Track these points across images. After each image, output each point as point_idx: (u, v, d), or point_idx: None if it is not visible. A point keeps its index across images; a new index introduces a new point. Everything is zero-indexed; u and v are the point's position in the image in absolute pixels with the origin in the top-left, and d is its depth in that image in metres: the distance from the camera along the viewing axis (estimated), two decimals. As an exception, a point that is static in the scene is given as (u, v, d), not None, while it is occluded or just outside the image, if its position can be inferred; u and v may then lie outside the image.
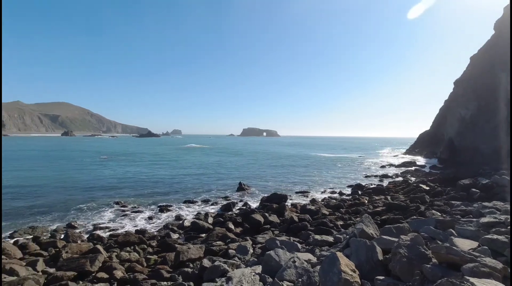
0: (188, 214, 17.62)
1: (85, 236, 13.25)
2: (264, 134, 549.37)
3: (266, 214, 15.63)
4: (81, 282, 8.55)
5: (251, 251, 9.59)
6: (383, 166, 45.06)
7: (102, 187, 25.23)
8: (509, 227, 5.95)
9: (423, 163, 43.85)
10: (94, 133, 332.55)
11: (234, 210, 18.43)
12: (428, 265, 4.22)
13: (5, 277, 8.49)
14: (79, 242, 12.26)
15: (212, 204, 20.05)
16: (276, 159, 57.14)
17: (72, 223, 14.85)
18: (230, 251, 9.76)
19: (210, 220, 15.75)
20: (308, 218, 15.10)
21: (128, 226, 15.14)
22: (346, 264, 4.59)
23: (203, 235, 13.40)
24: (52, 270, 9.27)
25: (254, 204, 20.10)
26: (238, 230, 14.05)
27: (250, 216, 14.87)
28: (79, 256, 10.02)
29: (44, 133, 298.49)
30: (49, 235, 13.29)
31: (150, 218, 16.48)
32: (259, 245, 10.56)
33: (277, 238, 9.39)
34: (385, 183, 29.13)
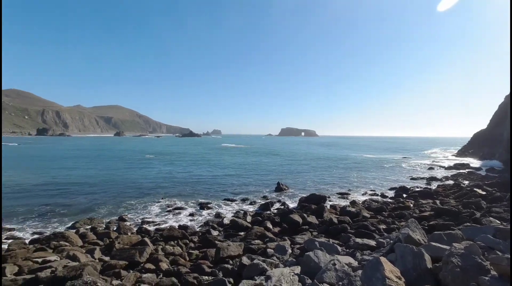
0: (227, 212, 18.10)
1: (134, 229, 14.28)
2: (303, 134, 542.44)
3: (305, 214, 15.48)
4: (131, 271, 9.25)
5: (290, 251, 9.59)
6: (431, 168, 41.94)
7: (148, 184, 26.98)
8: None
9: (478, 166, 39.99)
10: (142, 134, 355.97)
11: (272, 209, 18.53)
12: (486, 277, 3.89)
13: (68, 262, 9.51)
14: (129, 234, 13.28)
15: (250, 203, 20.37)
16: (315, 160, 56.11)
17: (123, 217, 16.14)
18: (268, 250, 9.85)
19: (249, 218, 16.03)
20: (348, 220, 14.65)
21: (171, 221, 16.02)
22: (390, 270, 4.41)
23: (242, 233, 13.69)
24: (107, 258, 10.17)
25: (292, 204, 19.98)
26: (276, 229, 14.11)
27: (288, 216, 14.85)
28: (129, 247, 10.86)
29: (100, 133, 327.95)
30: (104, 226, 14.57)
31: (191, 214, 17.26)
32: (298, 246, 10.51)
33: (316, 239, 9.27)
34: (434, 186, 27.08)
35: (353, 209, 16.68)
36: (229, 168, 41.05)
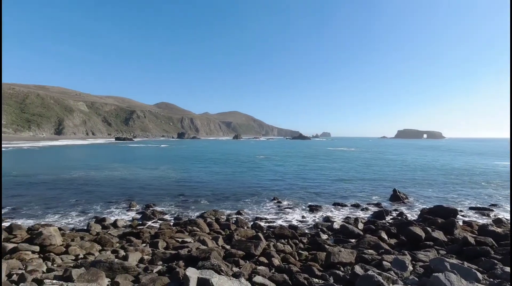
0: (337, 216, 17.61)
1: (250, 224, 15.72)
2: (425, 136, 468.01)
3: (428, 228, 13.40)
4: (247, 261, 10.26)
5: (410, 268, 8.56)
6: None
7: (261, 183, 29.20)
8: None
9: None
10: (256, 136, 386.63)
11: (387, 218, 16.90)
12: None
13: (199, 245, 11.36)
14: (245, 228, 14.73)
15: (362, 210, 19.17)
16: (439, 166, 47.79)
17: (240, 211, 18.03)
18: (384, 263, 9.08)
19: (360, 226, 15.14)
20: (491, 242, 11.83)
21: (282, 220, 16.81)
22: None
23: (353, 240, 13.06)
24: (228, 247, 11.61)
25: (411, 215, 17.71)
26: (392, 241, 12.81)
27: (407, 228, 13.21)
28: (246, 239, 12.06)
29: (222, 136, 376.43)
30: (225, 218, 16.65)
31: (301, 216, 17.63)
32: (421, 263, 9.26)
33: (446, 259, 7.95)
34: None
35: (499, 230, 13.35)
36: (339, 171, 39.66)
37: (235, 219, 16.31)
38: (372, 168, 43.07)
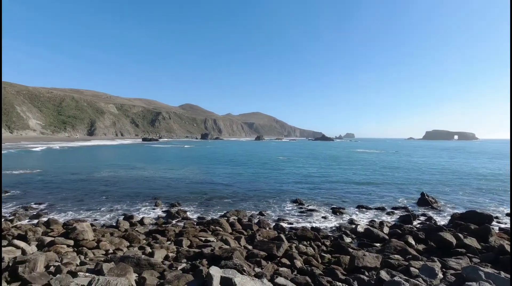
0: (361, 219, 17.17)
1: (272, 225, 15.71)
2: (456, 137, 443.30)
3: (460, 234, 12.72)
4: (269, 262, 10.28)
5: (441, 275, 8.16)
6: None
7: (283, 184, 29.06)
8: None
9: None
10: (278, 137, 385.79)
11: (414, 223, 16.23)
12: None
13: (222, 244, 11.53)
14: (267, 228, 14.75)
15: (387, 213, 18.54)
16: (470, 170, 45.13)
17: (262, 212, 18.09)
18: (412, 269, 8.73)
19: (386, 230, 14.66)
20: (532, 251, 11.01)
21: (304, 222, 16.64)
22: None
23: (378, 244, 12.69)
24: (250, 247, 11.69)
25: (440, 220, 16.90)
26: (420, 247, 12.28)
27: (436, 233, 12.61)
28: (268, 240, 12.08)
29: (244, 137, 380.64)
30: (247, 218, 16.76)
31: (323, 218, 17.35)
32: (452, 271, 8.80)
33: (480, 268, 7.51)
34: None
35: (541, 238, 12.41)
36: (363, 173, 38.60)
37: (257, 219, 16.38)
38: (398, 171, 41.46)
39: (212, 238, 12.64)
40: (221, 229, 14.10)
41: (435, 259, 10.30)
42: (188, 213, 17.92)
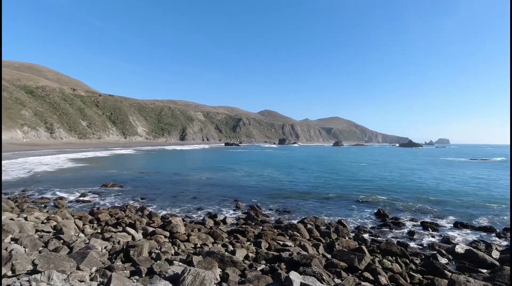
0: (460, 238, 14.73)
1: (351, 234, 14.91)
2: None
3: None
4: (350, 274, 9.78)
5: None
6: None
7: (364, 192, 27.10)
8: None
9: None
10: (358, 143, 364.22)
11: (540, 250, 13.05)
12: None
13: (300, 250, 11.52)
14: (346, 238, 14.07)
15: (496, 235, 15.30)
16: None
17: (342, 220, 17.28)
18: (534, 306, 7.10)
19: (495, 254, 12.20)
20: None
21: (388, 235, 15.24)
22: None
23: (484, 271, 10.68)
24: (328, 256, 11.34)
25: None
26: (549, 281, 9.82)
27: None
28: (348, 251, 11.52)
29: (321, 142, 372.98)
30: (325, 226, 16.30)
31: (410, 232, 15.52)
32: None
33: None
34: None
35: None
36: (460, 185, 33.02)
37: (335, 227, 15.76)
38: (504, 184, 33.87)
39: (289, 243, 12.75)
40: (298, 234, 14.09)
41: None
42: (266, 216, 18.49)
